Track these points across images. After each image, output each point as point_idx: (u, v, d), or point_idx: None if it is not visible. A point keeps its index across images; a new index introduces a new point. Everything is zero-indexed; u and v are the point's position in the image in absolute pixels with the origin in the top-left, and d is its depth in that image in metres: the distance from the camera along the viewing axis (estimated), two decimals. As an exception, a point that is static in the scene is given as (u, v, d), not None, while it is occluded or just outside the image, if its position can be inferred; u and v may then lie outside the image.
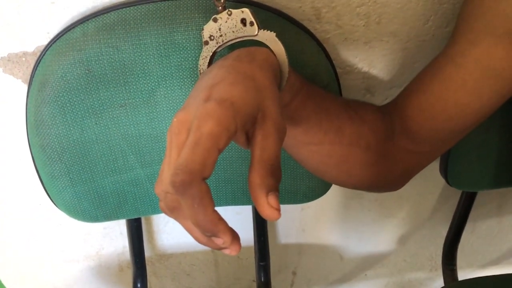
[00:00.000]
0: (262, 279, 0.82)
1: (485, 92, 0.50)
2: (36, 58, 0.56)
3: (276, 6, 0.56)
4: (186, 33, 0.53)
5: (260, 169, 0.35)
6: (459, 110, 0.51)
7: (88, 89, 0.55)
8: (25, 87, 0.60)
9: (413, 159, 0.56)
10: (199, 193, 0.33)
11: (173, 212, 0.36)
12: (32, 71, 0.55)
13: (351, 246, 0.95)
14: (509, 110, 0.65)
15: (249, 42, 0.45)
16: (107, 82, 0.55)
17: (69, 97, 0.55)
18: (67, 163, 0.59)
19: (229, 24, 0.45)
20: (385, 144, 0.54)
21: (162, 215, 0.82)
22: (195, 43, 0.54)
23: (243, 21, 0.44)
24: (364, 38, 0.61)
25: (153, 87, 0.56)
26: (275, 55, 0.44)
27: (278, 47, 0.44)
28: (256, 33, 0.44)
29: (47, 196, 0.63)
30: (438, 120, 0.52)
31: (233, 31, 0.45)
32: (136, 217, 0.72)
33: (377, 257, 0.98)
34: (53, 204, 0.64)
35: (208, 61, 0.46)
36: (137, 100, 0.57)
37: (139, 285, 0.80)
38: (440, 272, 0.88)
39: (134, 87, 0.56)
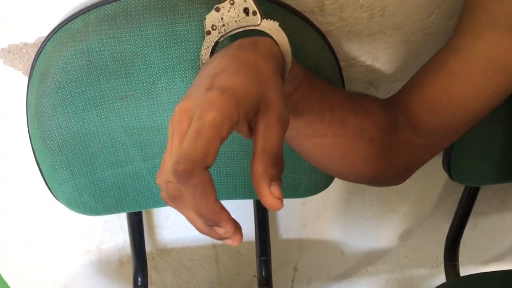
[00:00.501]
0: (263, 274, 0.82)
1: (489, 85, 0.49)
2: (36, 50, 0.56)
3: (279, -3, 0.56)
4: (188, 24, 0.53)
5: (263, 159, 0.34)
6: (463, 103, 0.51)
7: (89, 81, 0.55)
8: (25, 79, 0.60)
9: (416, 153, 0.55)
10: (202, 182, 0.32)
11: (174, 201, 0.36)
12: (33, 62, 0.55)
13: (353, 242, 0.94)
14: (513, 104, 0.64)
15: (251, 32, 0.45)
16: (108, 74, 0.55)
17: (70, 88, 0.55)
18: (67, 155, 0.58)
19: (232, 14, 0.44)
20: (388, 137, 0.54)
21: (163, 209, 0.82)
22: (197, 34, 0.53)
23: (246, 11, 0.44)
24: (367, 31, 0.61)
25: (155, 79, 0.56)
26: (278, 45, 0.43)
27: (281, 36, 0.43)
28: (259, 22, 0.44)
29: (47, 190, 0.62)
30: (442, 113, 0.52)
31: (235, 21, 0.44)
32: (137, 210, 0.71)
33: (379, 253, 0.98)
34: (54, 198, 0.63)
35: (210, 51, 0.46)
36: (138, 92, 0.56)
37: (139, 280, 0.79)
38: (442, 268, 0.88)
39: (136, 78, 0.56)
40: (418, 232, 0.95)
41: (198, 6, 0.52)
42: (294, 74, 0.46)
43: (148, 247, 0.85)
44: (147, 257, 0.81)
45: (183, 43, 0.54)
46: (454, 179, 0.70)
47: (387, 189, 0.86)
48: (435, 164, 0.72)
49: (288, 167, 0.63)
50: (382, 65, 0.65)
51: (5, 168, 0.70)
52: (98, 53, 0.53)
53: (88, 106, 0.56)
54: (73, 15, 0.53)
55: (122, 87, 0.56)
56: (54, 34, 0.53)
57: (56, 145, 0.57)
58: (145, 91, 0.56)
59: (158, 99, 0.57)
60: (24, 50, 0.58)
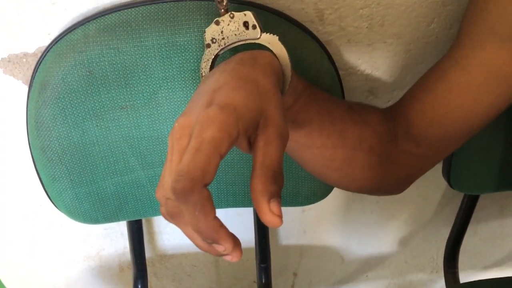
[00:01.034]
0: (263, 281, 0.82)
1: (489, 95, 0.49)
2: (36, 59, 0.56)
3: (278, 7, 0.56)
4: (188, 35, 0.53)
5: (262, 176, 0.34)
6: (463, 113, 0.51)
7: (89, 91, 0.55)
8: (25, 88, 0.60)
9: (416, 162, 0.55)
10: (200, 199, 0.32)
11: (174, 218, 0.36)
12: (33, 72, 0.55)
13: (353, 248, 0.94)
14: (512, 113, 0.64)
15: (251, 45, 0.45)
16: (108, 84, 0.55)
17: (70, 99, 0.55)
18: (67, 165, 0.59)
19: (232, 27, 0.44)
20: (388, 147, 0.54)
21: (163, 216, 0.82)
22: (197, 45, 0.53)
23: (246, 24, 0.44)
24: (367, 40, 0.61)
25: (155, 89, 0.56)
26: (277, 58, 0.43)
27: (280, 50, 0.43)
28: (258, 36, 0.44)
29: (47, 198, 0.63)
30: (442, 123, 0.52)
31: (235, 34, 0.44)
32: (136, 218, 0.71)
33: (379, 258, 0.98)
34: (54, 206, 0.63)
35: (210, 64, 0.46)
36: (138, 102, 0.56)
37: (139, 286, 0.79)
38: (441, 273, 0.88)
39: (136, 89, 0.56)
40: (418, 238, 0.95)
41: (198, 17, 0.52)
42: (294, 87, 0.46)
43: (148, 253, 0.85)
44: (147, 263, 0.81)
45: (182, 54, 0.54)
46: (454, 187, 0.70)
47: (387, 197, 0.86)
48: (435, 171, 0.72)
49: (287, 176, 0.63)
50: (382, 74, 0.65)
51: (5, 176, 0.70)
52: (98, 63, 0.53)
53: (88, 116, 0.56)
54: (73, 25, 0.53)
55: (122, 97, 0.56)
56: (54, 44, 0.53)
57: (56, 155, 0.58)
58: (145, 101, 0.57)
59: (158, 109, 0.57)
60: (24, 60, 0.58)
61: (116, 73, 0.54)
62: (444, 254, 0.83)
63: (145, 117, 0.58)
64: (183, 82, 0.56)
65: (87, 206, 0.62)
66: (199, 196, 0.32)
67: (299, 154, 0.53)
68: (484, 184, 0.70)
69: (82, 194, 0.61)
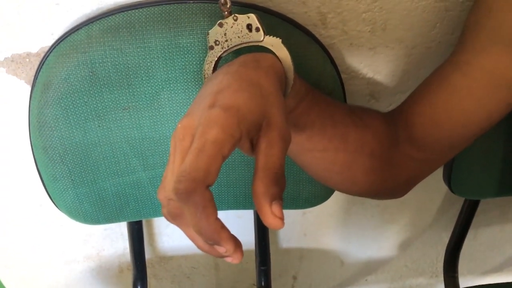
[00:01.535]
0: (263, 284, 0.81)
1: (492, 100, 0.49)
2: (39, 59, 0.56)
3: (281, 10, 0.56)
4: (191, 36, 0.53)
5: (264, 178, 0.34)
6: (465, 118, 0.51)
7: (91, 92, 0.55)
8: (28, 88, 0.60)
9: (417, 167, 0.56)
10: (203, 201, 0.32)
11: (175, 219, 0.36)
12: (36, 72, 0.55)
13: (353, 251, 0.94)
14: (514, 118, 0.64)
15: (254, 48, 0.45)
16: (111, 85, 0.55)
17: (73, 99, 0.55)
18: (69, 165, 0.59)
19: (235, 30, 0.44)
20: (390, 151, 0.54)
21: (163, 217, 0.82)
22: (200, 47, 0.54)
23: (249, 27, 0.44)
24: (369, 44, 0.61)
25: (157, 90, 0.56)
26: (280, 61, 0.44)
27: (283, 53, 0.44)
28: (262, 39, 0.44)
29: (48, 197, 0.63)
30: (444, 128, 0.52)
31: (238, 37, 0.44)
32: (137, 219, 0.71)
33: (378, 262, 0.98)
34: (54, 206, 0.63)
35: (213, 66, 0.46)
36: (140, 103, 0.57)
37: (139, 287, 0.79)
38: (440, 278, 0.88)
39: (138, 90, 0.56)
40: (418, 242, 0.95)
41: (201, 19, 0.52)
42: (296, 90, 0.46)
43: (147, 255, 0.85)
44: (147, 264, 0.81)
45: (185, 55, 0.54)
46: (455, 192, 0.70)
47: (388, 201, 0.86)
48: (435, 175, 0.72)
49: (288, 179, 0.63)
50: (384, 78, 0.65)
51: (6, 176, 0.70)
52: (101, 64, 0.53)
53: (90, 117, 0.56)
54: (76, 26, 0.53)
55: (124, 98, 0.56)
56: (57, 45, 0.54)
57: (57, 155, 0.58)
58: (147, 102, 0.57)
59: (160, 110, 0.57)
60: (27, 60, 0.58)
61: (119, 74, 0.54)
62: (444, 259, 0.83)
63: (147, 118, 0.58)
64: (186, 84, 0.56)
65: (88, 206, 0.62)
66: (201, 197, 0.32)
67: (300, 157, 0.53)
68: (485, 189, 0.70)
69: (83, 194, 0.61)
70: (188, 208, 0.33)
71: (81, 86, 0.54)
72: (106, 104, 0.56)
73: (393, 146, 0.54)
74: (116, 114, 0.57)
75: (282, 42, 0.44)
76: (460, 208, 0.80)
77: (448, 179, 0.69)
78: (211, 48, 0.46)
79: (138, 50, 0.53)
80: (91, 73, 0.54)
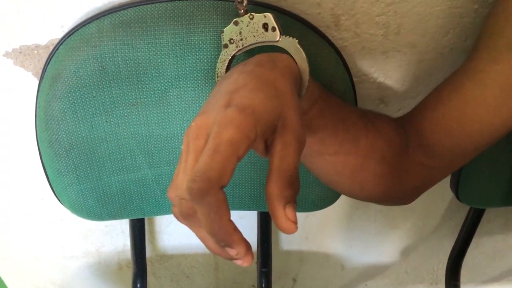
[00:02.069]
0: (263, 285, 0.81)
1: (505, 109, 0.49)
2: (48, 52, 0.55)
3: (295, 11, 0.55)
4: (203, 34, 0.52)
5: (279, 180, 0.34)
6: (477, 126, 0.50)
7: (100, 86, 0.54)
8: (35, 81, 0.59)
9: (426, 174, 0.55)
10: (216, 201, 0.32)
11: (187, 219, 0.35)
12: (45, 65, 0.54)
13: (354, 256, 0.94)
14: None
15: (268, 47, 0.44)
16: (120, 80, 0.54)
17: (81, 93, 0.54)
18: (74, 159, 0.58)
19: (250, 28, 0.44)
20: (400, 157, 0.53)
21: (165, 216, 0.81)
22: (212, 45, 0.53)
23: (265, 26, 0.43)
24: (381, 48, 0.60)
25: (166, 87, 0.55)
26: (295, 62, 0.43)
27: (299, 54, 0.43)
28: (277, 38, 0.43)
29: (50, 192, 0.62)
30: (455, 136, 0.51)
31: (254, 36, 0.44)
32: (140, 217, 0.71)
33: (379, 267, 0.97)
34: (56, 200, 0.63)
35: (226, 64, 0.46)
36: (149, 99, 0.56)
37: (138, 285, 0.79)
38: (441, 285, 0.88)
39: (147, 86, 0.55)
40: (420, 249, 0.95)
41: (214, 16, 0.52)
42: (310, 92, 0.45)
43: (147, 253, 0.84)
44: (146, 262, 0.80)
45: (197, 53, 0.53)
46: (462, 200, 0.70)
47: (391, 206, 0.85)
48: (441, 183, 0.71)
49: (295, 181, 0.63)
50: (394, 82, 0.65)
51: (9, 168, 0.69)
52: (111, 59, 0.53)
53: (98, 112, 0.56)
54: (87, 19, 0.53)
55: (133, 94, 0.55)
56: (67, 37, 0.53)
57: (63, 149, 0.57)
58: (156, 99, 0.56)
59: (169, 107, 0.57)
60: (36, 52, 0.57)
61: (129, 69, 0.54)
62: (447, 266, 0.83)
63: (155, 115, 0.57)
64: (195, 82, 0.55)
65: (91, 202, 0.61)
66: (215, 198, 0.32)
67: (310, 159, 0.52)
68: (492, 198, 0.70)
69: (87, 190, 0.60)
70: (201, 209, 0.32)
71: (90, 80, 0.54)
72: (115, 99, 0.55)
73: (403, 152, 0.54)
74: (124, 110, 0.56)
75: (298, 43, 0.43)
76: (465, 217, 0.79)
77: (456, 187, 0.69)
78: (225, 46, 0.45)
79: (149, 46, 0.53)
80: (100, 68, 0.53)
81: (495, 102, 0.48)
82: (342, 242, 0.91)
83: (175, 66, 0.54)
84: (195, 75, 0.55)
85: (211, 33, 0.52)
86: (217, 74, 0.46)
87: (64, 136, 0.56)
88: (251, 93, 0.36)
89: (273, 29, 0.43)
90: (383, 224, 0.88)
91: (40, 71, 0.57)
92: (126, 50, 0.53)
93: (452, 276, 0.82)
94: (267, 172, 0.35)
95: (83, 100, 0.54)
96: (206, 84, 0.55)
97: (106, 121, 0.56)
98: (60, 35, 0.55)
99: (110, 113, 0.56)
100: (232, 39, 0.45)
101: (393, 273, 0.99)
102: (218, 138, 0.33)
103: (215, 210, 0.32)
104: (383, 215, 0.87)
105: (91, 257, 0.86)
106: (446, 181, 0.72)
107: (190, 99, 0.56)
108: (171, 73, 0.55)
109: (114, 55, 0.53)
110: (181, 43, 0.53)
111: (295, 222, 0.33)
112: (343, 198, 0.81)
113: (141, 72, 0.54)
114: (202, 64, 0.54)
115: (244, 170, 0.63)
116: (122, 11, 0.52)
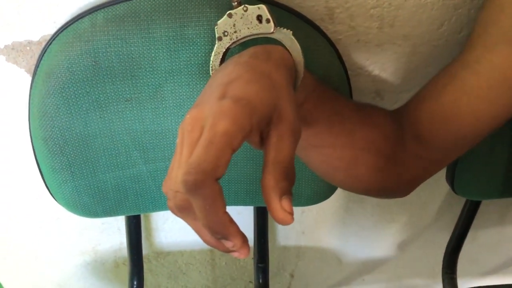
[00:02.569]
0: (260, 281, 0.81)
1: (500, 100, 0.49)
2: (41, 48, 0.55)
3: (289, 4, 0.55)
4: (197, 28, 0.52)
5: (275, 171, 0.34)
6: (472, 117, 0.50)
7: (94, 82, 0.54)
8: (28, 77, 0.59)
9: (422, 166, 0.55)
10: (212, 193, 0.32)
11: (182, 212, 0.35)
12: (37, 61, 0.54)
13: (351, 250, 0.94)
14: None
15: (263, 40, 0.44)
16: (113, 75, 0.54)
17: (74, 89, 0.54)
18: (68, 156, 0.57)
19: (244, 21, 0.43)
20: (395, 149, 0.53)
21: (161, 212, 0.81)
22: (206, 39, 0.53)
23: (259, 18, 0.43)
24: (376, 41, 0.60)
25: (160, 82, 0.55)
26: (290, 54, 0.43)
27: (294, 46, 0.43)
28: (272, 30, 0.43)
29: (45, 190, 0.61)
30: (450, 127, 0.51)
31: (248, 28, 0.44)
32: (136, 213, 0.70)
33: (376, 262, 0.97)
34: (51, 197, 0.62)
35: (220, 57, 0.45)
36: (143, 94, 0.56)
37: (135, 283, 0.78)
38: (438, 279, 0.88)
39: (141, 81, 0.55)
40: (417, 243, 0.95)
41: (208, 10, 0.52)
42: (305, 84, 0.45)
43: (144, 250, 0.84)
44: (143, 259, 0.80)
45: (191, 47, 0.53)
46: (457, 192, 0.70)
47: (387, 200, 0.85)
48: (437, 175, 0.71)
49: (291, 175, 0.62)
50: (389, 75, 0.64)
51: (4, 167, 0.69)
52: (104, 54, 0.52)
53: (91, 108, 0.55)
54: (80, 14, 0.52)
55: (127, 89, 0.55)
56: (60, 33, 0.52)
57: (57, 146, 0.56)
58: (150, 94, 0.56)
59: (163, 102, 0.56)
60: (28, 48, 0.57)
61: (122, 64, 0.53)
62: (443, 260, 0.83)
63: (149, 110, 0.57)
64: (190, 77, 0.55)
65: (86, 199, 0.61)
66: (211, 190, 0.31)
67: (306, 153, 0.52)
68: (488, 190, 0.70)
69: (82, 187, 0.60)
70: (196, 201, 0.32)
71: (84, 76, 0.53)
72: (108, 95, 0.55)
73: (399, 144, 0.53)
74: (118, 106, 0.56)
75: (293, 34, 0.43)
76: (461, 209, 0.79)
77: (451, 179, 0.69)
78: (220, 39, 0.45)
79: (143, 40, 0.52)
80: (94, 63, 0.53)
81: (489, 93, 0.48)
82: (339, 236, 0.91)
83: (169, 60, 0.54)
84: (189, 69, 0.55)
85: (205, 27, 0.52)
86: (212, 67, 0.46)
87: (58, 132, 0.56)
88: (246, 85, 0.36)
89: (267, 20, 0.43)
90: (379, 218, 0.88)
91: (33, 67, 0.57)
92: (120, 45, 0.52)
93: (448, 269, 0.82)
94: (262, 166, 0.35)
95: (76, 96, 0.54)
96: (201, 79, 0.55)
97: (100, 117, 0.56)
98: (52, 30, 0.55)
99: (104, 109, 0.56)
100: (226, 31, 0.44)
101: (390, 267, 0.99)
102: (212, 130, 0.33)
103: (210, 202, 0.32)
104: (379, 209, 0.87)
105: (88, 255, 0.85)
106: (442, 174, 0.72)
107: (184, 93, 0.56)
108: (165, 68, 0.54)
109: (108, 50, 0.52)
110: (175, 37, 0.52)
111: (291, 213, 0.33)
112: (339, 193, 0.81)
113: (135, 67, 0.54)
114: (196, 58, 0.54)
115: (240, 165, 0.63)
116: (115, 6, 0.52)
